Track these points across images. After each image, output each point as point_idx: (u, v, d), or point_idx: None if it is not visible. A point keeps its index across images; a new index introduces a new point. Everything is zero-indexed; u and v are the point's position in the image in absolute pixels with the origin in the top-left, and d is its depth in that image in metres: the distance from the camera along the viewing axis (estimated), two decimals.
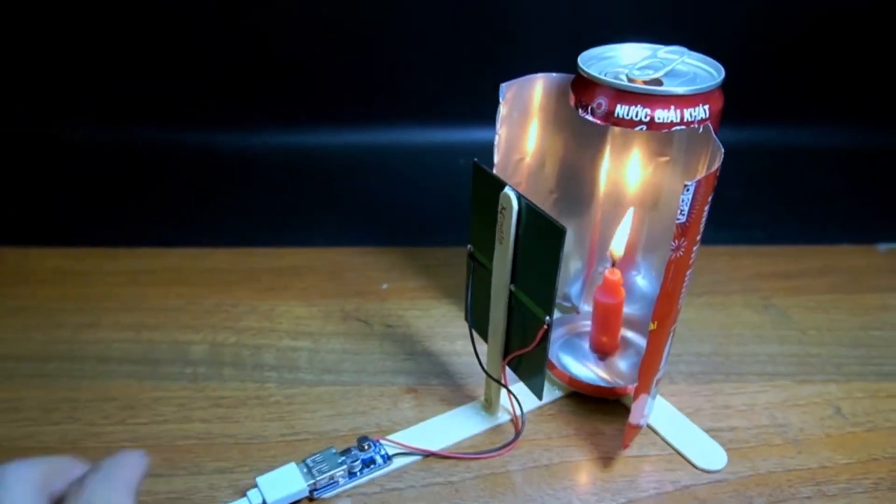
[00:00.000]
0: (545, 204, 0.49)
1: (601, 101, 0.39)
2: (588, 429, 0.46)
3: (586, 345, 0.49)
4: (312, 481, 0.41)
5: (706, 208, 0.37)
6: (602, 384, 0.47)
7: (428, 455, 0.44)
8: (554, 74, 0.44)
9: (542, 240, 0.38)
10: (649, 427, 0.46)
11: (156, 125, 0.78)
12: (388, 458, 0.44)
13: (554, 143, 0.48)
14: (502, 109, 0.43)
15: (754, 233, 0.67)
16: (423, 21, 0.76)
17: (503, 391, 0.45)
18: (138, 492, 0.29)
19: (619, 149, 0.47)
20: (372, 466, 0.43)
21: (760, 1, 0.77)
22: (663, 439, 0.46)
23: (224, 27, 0.75)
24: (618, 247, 0.45)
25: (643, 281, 0.51)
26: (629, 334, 0.51)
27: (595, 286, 0.47)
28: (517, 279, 0.41)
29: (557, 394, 0.48)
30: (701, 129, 0.38)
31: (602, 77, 0.39)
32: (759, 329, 0.55)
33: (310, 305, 0.56)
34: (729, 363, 0.52)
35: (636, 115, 0.38)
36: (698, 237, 0.38)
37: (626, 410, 0.47)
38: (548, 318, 0.39)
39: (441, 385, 0.49)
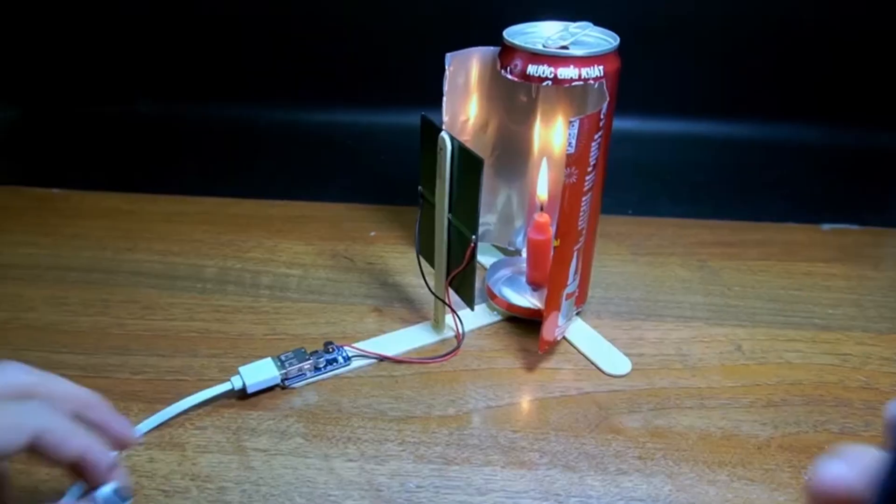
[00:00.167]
0: (488, 161, 0.58)
1: (517, 63, 0.48)
2: (516, 346, 0.55)
3: (524, 280, 0.58)
4: (284, 372, 0.51)
5: (594, 144, 0.45)
6: (531, 307, 0.56)
7: (382, 359, 0.54)
8: (492, 48, 0.53)
9: (468, 173, 0.47)
10: (568, 342, 0.55)
11: (200, 101, 0.92)
12: (347, 359, 0.53)
13: (494, 108, 0.57)
14: (448, 75, 0.53)
15: (706, 208, 0.73)
16: (422, 19, 0.86)
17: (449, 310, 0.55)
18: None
19: (548, 113, 0.56)
20: (334, 364, 0.53)
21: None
22: (578, 350, 0.54)
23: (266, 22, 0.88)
24: (541, 191, 0.53)
25: None
26: None
27: None
28: (452, 208, 0.50)
29: (497, 317, 0.57)
30: (596, 85, 0.47)
31: (517, 43, 0.48)
32: (688, 283, 0.62)
33: (307, 244, 0.67)
34: (653, 306, 0.59)
35: (543, 73, 0.47)
36: (589, 168, 0.46)
37: None
38: (474, 236, 0.48)
39: (402, 308, 0.59)
